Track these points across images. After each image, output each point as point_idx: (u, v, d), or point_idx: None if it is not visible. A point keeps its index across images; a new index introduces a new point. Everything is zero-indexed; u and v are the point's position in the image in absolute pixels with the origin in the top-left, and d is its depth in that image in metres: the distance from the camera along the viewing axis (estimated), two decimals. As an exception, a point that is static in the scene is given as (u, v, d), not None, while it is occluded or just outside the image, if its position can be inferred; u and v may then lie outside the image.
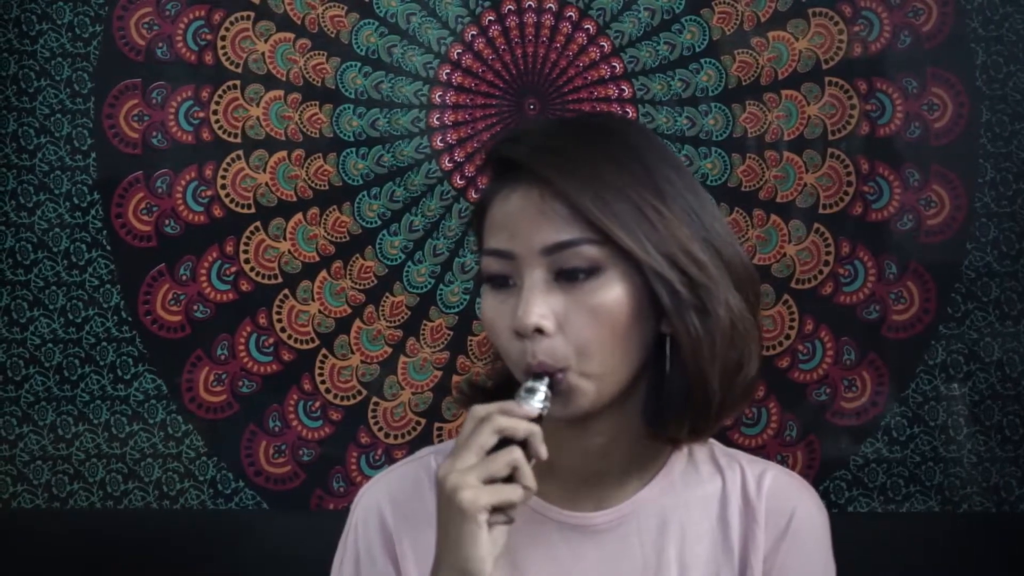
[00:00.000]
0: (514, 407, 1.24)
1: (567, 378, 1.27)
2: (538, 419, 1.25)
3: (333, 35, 2.35)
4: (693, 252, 1.26)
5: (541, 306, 1.26)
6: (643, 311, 1.28)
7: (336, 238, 2.34)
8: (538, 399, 1.25)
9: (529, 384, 1.26)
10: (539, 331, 1.26)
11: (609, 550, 1.35)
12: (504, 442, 1.23)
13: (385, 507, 1.39)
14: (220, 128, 2.34)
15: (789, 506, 1.38)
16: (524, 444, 1.23)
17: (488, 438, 1.22)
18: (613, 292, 1.26)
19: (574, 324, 1.26)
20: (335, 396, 2.34)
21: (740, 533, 1.37)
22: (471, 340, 2.33)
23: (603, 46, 2.35)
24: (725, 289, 1.28)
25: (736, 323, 1.28)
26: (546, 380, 1.26)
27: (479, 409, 1.24)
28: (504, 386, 1.34)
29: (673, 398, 1.30)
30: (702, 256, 1.27)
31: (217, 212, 2.34)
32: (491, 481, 1.21)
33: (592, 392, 1.28)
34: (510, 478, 1.22)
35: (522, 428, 1.23)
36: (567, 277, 1.26)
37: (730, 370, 1.30)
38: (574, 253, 1.26)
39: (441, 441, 2.27)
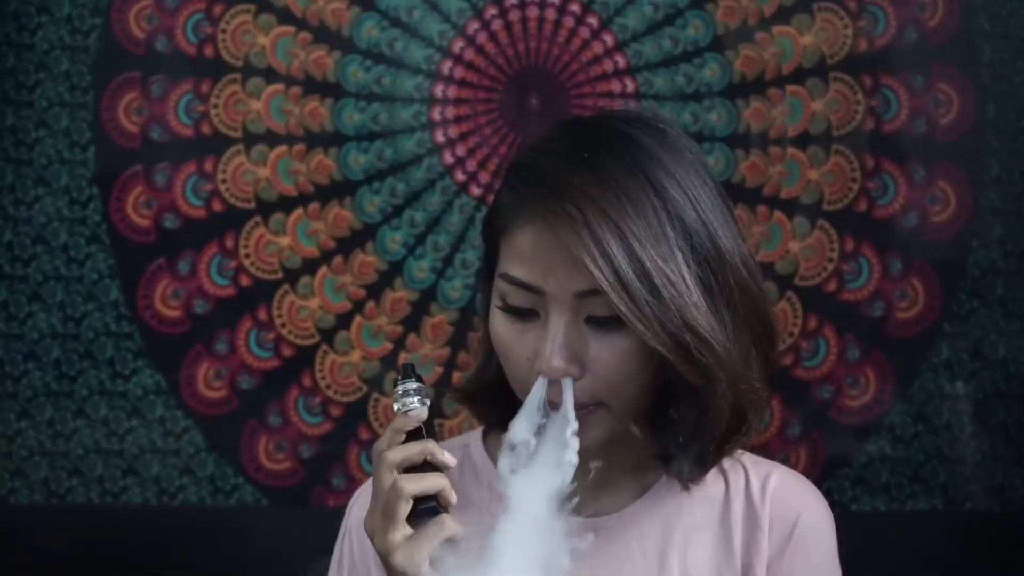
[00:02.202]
0: (398, 441, 1.24)
1: (596, 413, 1.25)
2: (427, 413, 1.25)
3: (334, 29, 2.34)
4: (700, 331, 1.22)
5: (568, 349, 1.23)
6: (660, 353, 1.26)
7: (336, 233, 2.34)
8: (416, 400, 1.25)
9: (402, 387, 1.26)
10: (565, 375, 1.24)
11: (611, 557, 1.34)
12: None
13: None
14: (220, 122, 2.34)
15: (794, 511, 1.36)
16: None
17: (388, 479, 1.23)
18: (640, 339, 1.24)
19: (599, 366, 1.24)
20: (335, 392, 2.33)
21: (742, 538, 1.36)
22: (472, 336, 2.32)
23: (606, 41, 2.34)
24: (734, 360, 1.25)
25: (741, 396, 1.27)
26: (414, 377, 1.26)
27: (383, 470, 1.23)
28: (502, 384, 1.33)
29: (679, 436, 1.30)
30: (709, 335, 1.23)
31: (217, 207, 2.33)
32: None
33: (615, 425, 1.27)
34: (434, 509, 1.22)
35: (428, 473, 1.23)
36: (598, 323, 1.24)
37: (732, 431, 1.30)
38: (604, 302, 1.22)
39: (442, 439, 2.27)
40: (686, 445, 1.30)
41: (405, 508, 1.21)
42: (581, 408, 1.24)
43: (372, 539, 1.23)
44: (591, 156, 1.26)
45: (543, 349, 1.24)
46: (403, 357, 2.32)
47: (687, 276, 1.23)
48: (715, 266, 1.26)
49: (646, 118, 1.31)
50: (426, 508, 1.22)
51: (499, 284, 1.27)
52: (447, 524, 1.21)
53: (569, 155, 1.27)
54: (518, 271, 1.25)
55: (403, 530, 1.21)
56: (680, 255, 1.23)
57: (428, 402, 1.26)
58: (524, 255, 1.25)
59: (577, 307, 1.24)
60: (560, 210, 1.22)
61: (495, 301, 1.28)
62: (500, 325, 1.28)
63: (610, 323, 1.24)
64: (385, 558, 1.21)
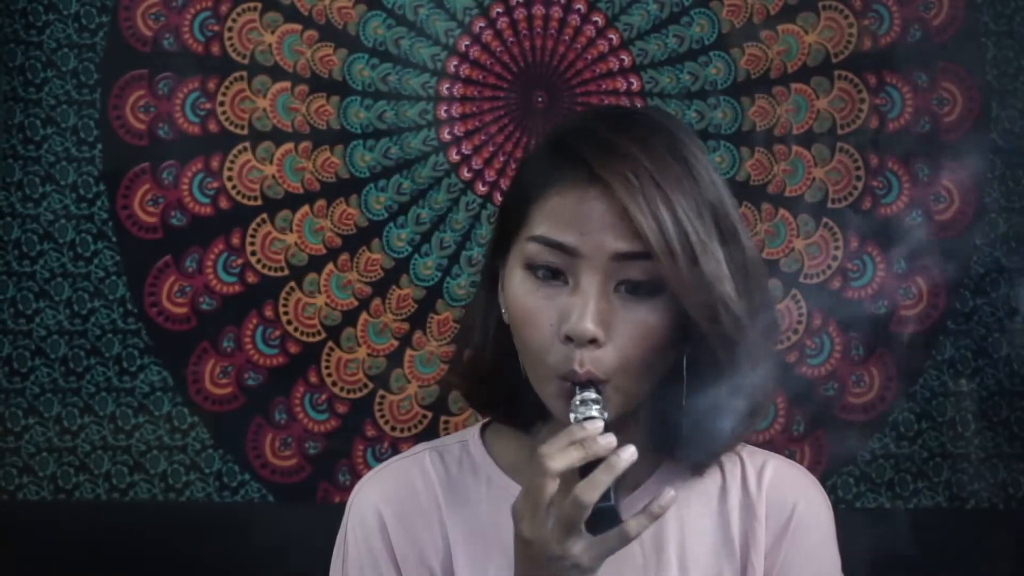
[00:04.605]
0: (585, 438, 1.21)
1: (603, 390, 1.25)
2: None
3: (340, 26, 2.34)
4: (730, 305, 1.25)
5: (599, 314, 1.23)
6: (677, 333, 1.27)
7: (343, 231, 2.34)
8: (596, 410, 1.23)
9: (581, 396, 1.23)
10: (592, 340, 1.24)
11: (608, 551, 1.34)
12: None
13: (382, 507, 1.37)
14: (227, 120, 2.34)
15: (790, 500, 1.37)
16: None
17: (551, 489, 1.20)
18: (661, 313, 1.25)
19: (621, 337, 1.24)
20: (341, 389, 2.33)
21: (740, 529, 1.36)
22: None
23: (611, 39, 2.34)
24: (754, 341, 1.27)
25: (756, 379, 1.28)
26: (593, 388, 1.24)
27: (553, 463, 1.19)
28: (501, 370, 1.33)
29: (685, 425, 1.30)
30: (737, 311, 1.25)
31: (223, 204, 2.34)
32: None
33: (620, 406, 1.27)
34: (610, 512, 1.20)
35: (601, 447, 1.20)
36: (629, 289, 1.25)
37: (748, 413, 1.30)
38: (641, 266, 1.24)
39: (447, 434, 2.27)
40: (700, 430, 1.31)
41: (585, 516, 1.19)
42: (599, 382, 1.24)
43: (530, 544, 1.20)
44: (634, 132, 1.28)
45: (573, 311, 1.24)
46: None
47: (719, 252, 1.25)
48: (734, 249, 1.28)
49: (661, 112, 1.35)
50: (602, 507, 1.19)
51: (527, 248, 1.27)
52: (628, 529, 1.21)
53: (617, 126, 1.29)
54: (554, 232, 1.25)
55: (584, 538, 1.20)
56: (715, 232, 1.26)
57: (607, 415, 1.23)
58: (561, 216, 1.25)
59: (610, 272, 1.24)
60: (617, 171, 1.23)
61: (517, 267, 1.28)
62: (523, 291, 1.27)
63: (641, 291, 1.25)
64: (556, 561, 1.19)
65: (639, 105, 2.32)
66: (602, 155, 1.25)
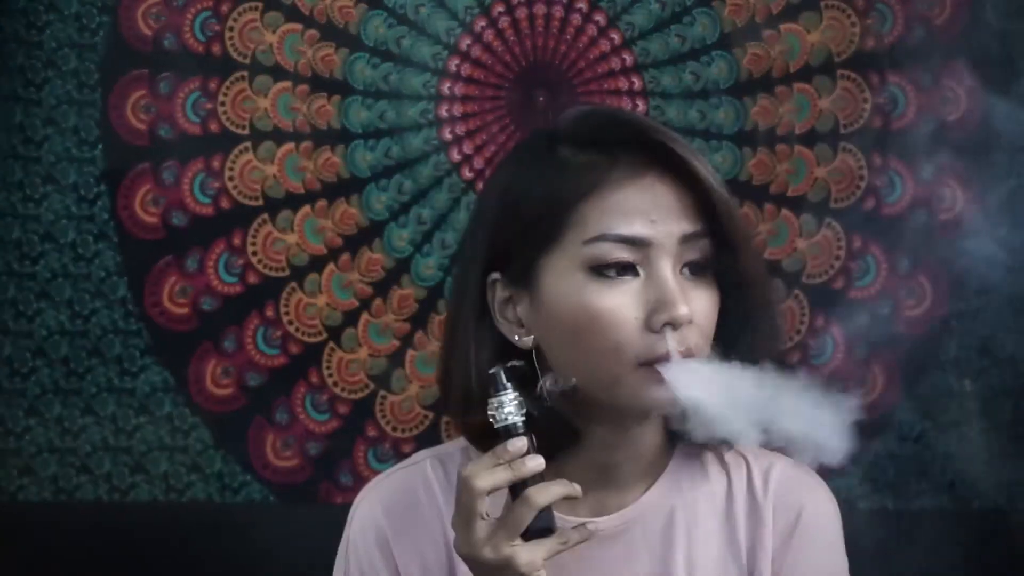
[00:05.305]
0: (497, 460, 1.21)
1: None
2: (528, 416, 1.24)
3: (341, 26, 2.34)
4: (770, 280, 1.29)
5: (683, 296, 1.24)
6: None
7: (344, 230, 2.34)
8: (509, 411, 1.23)
9: (496, 399, 1.23)
10: (689, 321, 1.24)
11: (615, 556, 1.33)
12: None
13: (381, 519, 1.37)
14: (227, 119, 2.33)
15: (797, 504, 1.36)
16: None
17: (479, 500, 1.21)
18: (714, 289, 1.27)
19: (699, 312, 1.25)
20: (342, 389, 2.33)
21: (747, 533, 1.36)
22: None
23: (613, 38, 2.34)
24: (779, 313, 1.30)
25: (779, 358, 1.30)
26: (508, 387, 1.23)
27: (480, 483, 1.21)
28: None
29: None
30: (771, 284, 1.29)
31: (224, 204, 2.33)
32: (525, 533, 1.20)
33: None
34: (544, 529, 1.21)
35: (528, 469, 1.21)
36: (693, 269, 1.26)
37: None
38: (701, 245, 1.25)
39: (448, 435, 2.27)
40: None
41: (531, 516, 1.20)
42: (692, 356, 1.25)
43: (466, 558, 1.22)
44: (653, 119, 1.31)
45: (662, 299, 1.23)
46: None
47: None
48: None
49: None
50: (538, 529, 1.21)
51: (591, 250, 1.25)
52: (567, 536, 1.22)
53: (639, 116, 1.30)
54: (623, 227, 1.24)
55: (519, 542, 1.20)
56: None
57: (524, 411, 1.23)
58: (629, 208, 1.25)
59: (677, 255, 1.25)
60: (689, 154, 1.25)
61: (575, 272, 1.25)
62: (592, 294, 1.24)
63: (698, 269, 1.26)
64: (506, 567, 1.20)
65: (640, 106, 2.32)
66: (670, 140, 1.26)
